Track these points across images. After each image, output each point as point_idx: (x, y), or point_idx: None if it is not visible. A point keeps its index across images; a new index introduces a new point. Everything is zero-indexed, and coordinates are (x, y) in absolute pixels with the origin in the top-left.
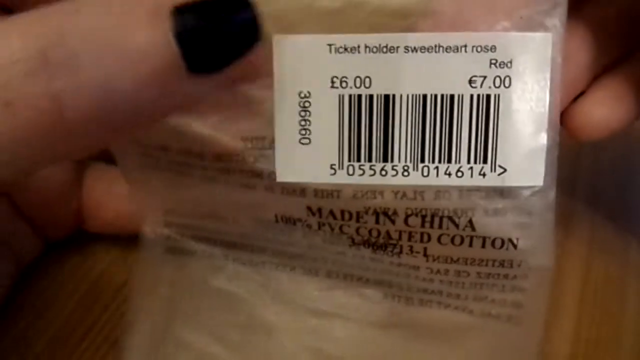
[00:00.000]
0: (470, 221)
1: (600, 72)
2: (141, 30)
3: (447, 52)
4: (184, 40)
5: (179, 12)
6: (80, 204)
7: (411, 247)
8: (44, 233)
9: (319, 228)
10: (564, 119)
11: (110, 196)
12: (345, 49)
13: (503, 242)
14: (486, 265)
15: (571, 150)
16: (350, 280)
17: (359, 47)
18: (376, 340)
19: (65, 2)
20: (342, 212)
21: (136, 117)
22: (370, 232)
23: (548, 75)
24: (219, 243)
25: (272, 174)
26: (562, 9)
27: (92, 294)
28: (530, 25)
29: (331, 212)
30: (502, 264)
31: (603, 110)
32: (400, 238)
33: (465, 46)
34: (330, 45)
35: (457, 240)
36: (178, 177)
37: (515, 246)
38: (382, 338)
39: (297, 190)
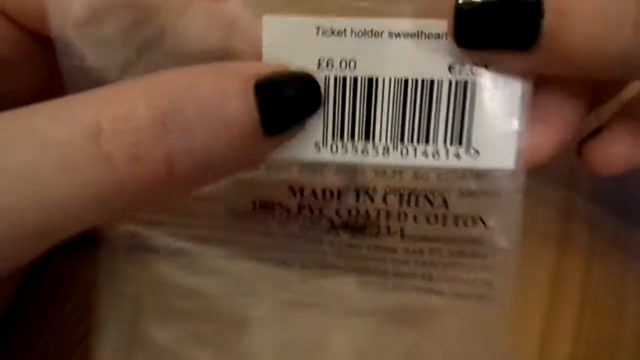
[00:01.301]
0: (445, 200)
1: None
2: (234, 100)
3: (429, 38)
4: (264, 109)
5: (261, 85)
6: None
7: (389, 227)
8: None
9: (299, 212)
10: (583, 155)
11: None
12: (332, 32)
13: (474, 220)
14: (458, 243)
15: (571, 151)
16: (325, 269)
17: (345, 30)
18: (351, 328)
19: (177, 72)
20: (324, 191)
21: (218, 176)
22: (349, 212)
23: None
24: (188, 238)
25: None
26: None
27: (92, 295)
28: None
29: (313, 192)
30: (473, 242)
31: (620, 147)
32: (378, 216)
33: (447, 34)
34: (318, 27)
35: (432, 218)
36: None
37: (485, 225)
38: (357, 326)
39: (281, 167)
